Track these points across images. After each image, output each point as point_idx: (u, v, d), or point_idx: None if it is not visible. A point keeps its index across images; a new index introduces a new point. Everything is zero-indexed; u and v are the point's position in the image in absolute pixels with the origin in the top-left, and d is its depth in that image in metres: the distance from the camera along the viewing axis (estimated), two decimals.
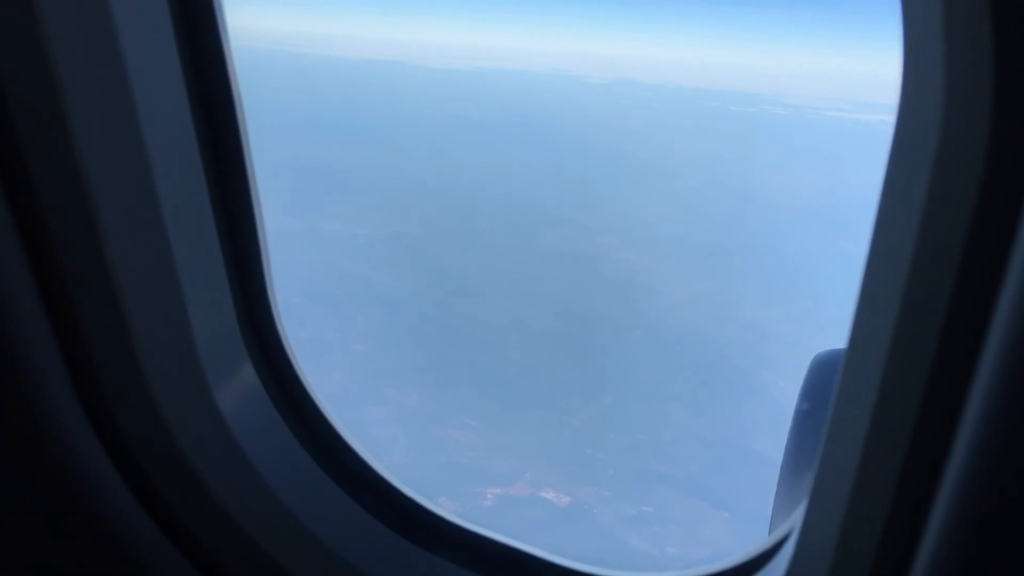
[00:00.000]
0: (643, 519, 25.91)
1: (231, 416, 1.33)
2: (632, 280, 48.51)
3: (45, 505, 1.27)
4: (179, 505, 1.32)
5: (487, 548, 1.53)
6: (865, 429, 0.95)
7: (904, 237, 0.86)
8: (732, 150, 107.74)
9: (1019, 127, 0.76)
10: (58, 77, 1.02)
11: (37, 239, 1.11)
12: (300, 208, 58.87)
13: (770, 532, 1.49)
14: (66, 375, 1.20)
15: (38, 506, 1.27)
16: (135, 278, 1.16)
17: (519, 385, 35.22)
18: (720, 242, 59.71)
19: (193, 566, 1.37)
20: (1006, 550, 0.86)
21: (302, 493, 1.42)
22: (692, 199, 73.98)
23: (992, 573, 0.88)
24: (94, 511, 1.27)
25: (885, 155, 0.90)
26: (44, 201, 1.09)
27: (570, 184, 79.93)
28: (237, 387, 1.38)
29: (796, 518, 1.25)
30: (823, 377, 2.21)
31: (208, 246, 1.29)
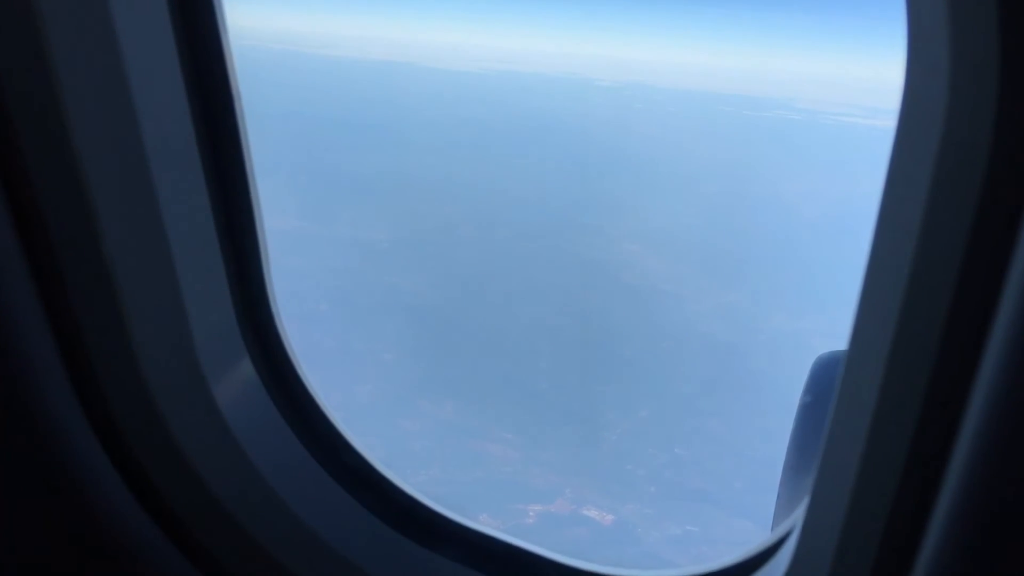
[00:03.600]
0: (689, 539, 25.31)
1: (230, 413, 1.32)
2: (658, 288, 47.93)
3: (43, 503, 1.27)
4: (177, 502, 1.32)
5: (486, 545, 1.52)
6: (866, 428, 0.95)
7: (906, 237, 0.86)
8: (750, 155, 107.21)
9: (1023, 126, 0.76)
10: (57, 77, 1.02)
11: (36, 238, 1.11)
12: (318, 212, 58.48)
13: (772, 530, 1.48)
14: (65, 373, 1.20)
15: (37, 504, 1.27)
16: (134, 276, 1.17)
17: (552, 397, 34.67)
18: (744, 249, 59.15)
19: (191, 563, 1.36)
20: (1007, 548, 0.86)
21: (301, 490, 1.41)
22: (713, 205, 73.42)
23: (994, 570, 0.87)
24: (92, 508, 1.27)
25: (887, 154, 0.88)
26: (43, 200, 1.09)
27: (588, 189, 79.37)
28: (236, 384, 1.38)
29: (798, 516, 1.25)
30: (826, 377, 2.21)
31: (207, 243, 1.29)
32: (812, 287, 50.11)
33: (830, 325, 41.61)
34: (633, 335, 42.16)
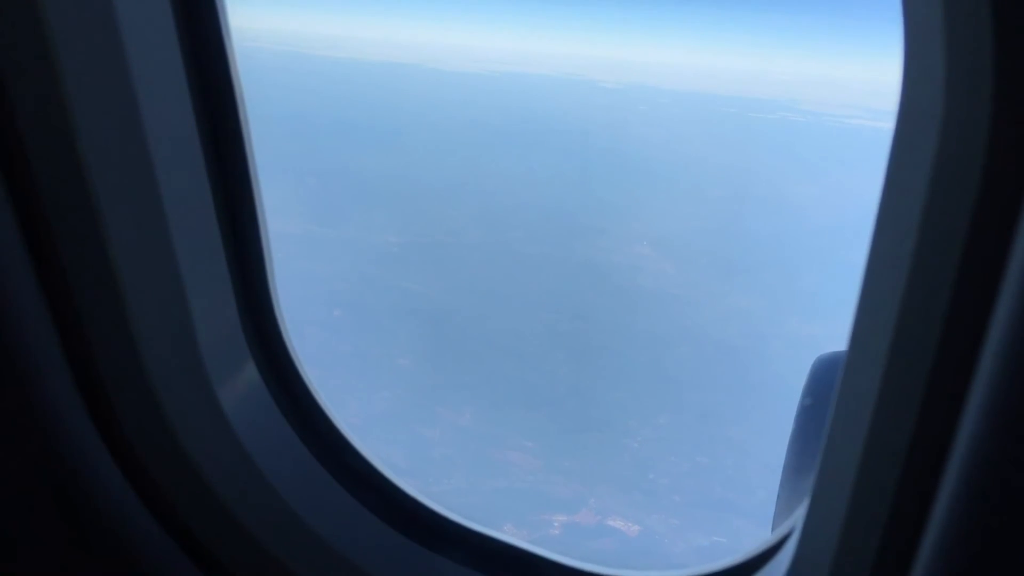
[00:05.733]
0: (717, 550, 25.08)
1: (234, 414, 1.33)
2: (671, 293, 47.72)
3: (47, 503, 1.27)
4: (181, 503, 1.33)
5: (489, 547, 1.52)
6: (866, 429, 0.96)
7: (904, 237, 0.87)
8: (758, 158, 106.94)
9: (1018, 127, 0.77)
10: (61, 78, 1.02)
11: (40, 240, 1.12)
12: (326, 215, 58.23)
13: (773, 530, 1.47)
14: (69, 373, 1.21)
15: (40, 504, 1.27)
16: (138, 278, 1.17)
17: (570, 404, 34.46)
18: (755, 253, 58.90)
19: (195, 564, 1.36)
20: (1007, 548, 0.87)
21: (304, 492, 1.41)
22: (721, 208, 73.18)
23: (993, 571, 0.88)
24: (97, 509, 1.28)
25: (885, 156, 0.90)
26: (47, 202, 1.10)
27: (597, 192, 79.12)
28: (240, 386, 1.38)
29: (798, 517, 1.25)
30: (825, 378, 2.20)
31: (211, 246, 1.29)
32: (825, 290, 49.90)
33: (844, 328, 41.25)
34: (649, 340, 41.93)
